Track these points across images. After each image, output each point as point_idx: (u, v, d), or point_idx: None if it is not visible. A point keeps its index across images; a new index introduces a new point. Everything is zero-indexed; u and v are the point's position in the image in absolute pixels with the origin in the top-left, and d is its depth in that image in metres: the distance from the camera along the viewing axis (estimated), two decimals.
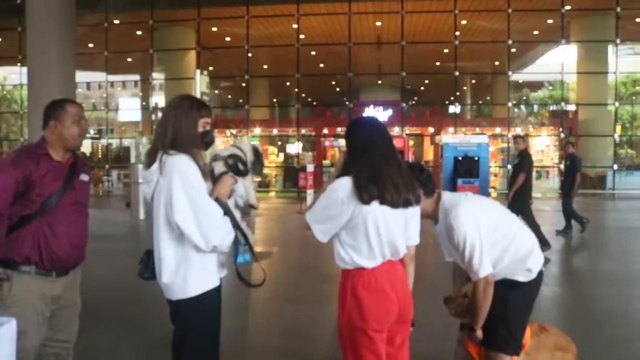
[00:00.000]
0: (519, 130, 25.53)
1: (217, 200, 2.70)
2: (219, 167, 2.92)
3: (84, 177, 3.15)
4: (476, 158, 14.89)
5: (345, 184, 2.55)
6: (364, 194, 2.49)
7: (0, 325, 2.36)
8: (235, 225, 2.74)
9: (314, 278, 7.63)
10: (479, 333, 3.09)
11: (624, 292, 6.92)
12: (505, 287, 3.06)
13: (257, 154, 3.11)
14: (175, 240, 2.65)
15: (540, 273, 3.17)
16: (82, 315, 3.29)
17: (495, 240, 2.98)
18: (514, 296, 3.08)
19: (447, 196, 3.09)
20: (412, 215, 2.68)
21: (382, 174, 2.54)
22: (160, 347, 4.63)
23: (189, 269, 2.65)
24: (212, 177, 2.83)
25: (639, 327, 5.57)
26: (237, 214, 2.84)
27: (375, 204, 2.51)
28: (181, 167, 2.61)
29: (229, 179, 2.81)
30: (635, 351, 4.86)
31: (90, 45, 23.67)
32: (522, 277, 3.10)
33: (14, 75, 25.29)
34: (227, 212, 2.71)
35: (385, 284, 2.55)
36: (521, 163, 10.89)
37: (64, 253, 2.97)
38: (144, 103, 31.53)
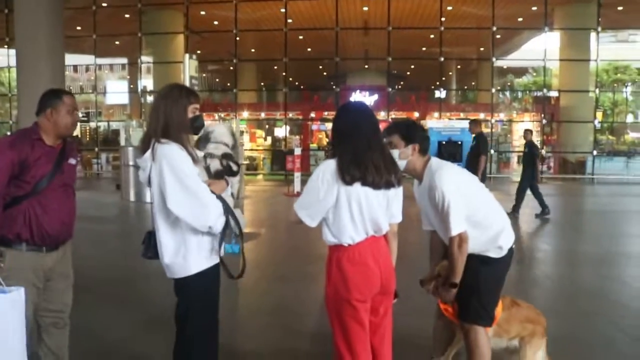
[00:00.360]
0: (502, 116, 25.89)
1: None
2: (215, 163, 3.12)
3: (72, 161, 3.32)
4: (459, 142, 15.13)
5: (330, 165, 2.68)
6: (346, 176, 2.63)
7: (10, 292, 2.61)
8: (228, 212, 2.87)
9: (301, 258, 7.81)
10: (454, 291, 3.26)
11: (597, 273, 7.18)
12: (478, 261, 3.29)
13: (234, 137, 3.36)
14: (172, 224, 2.82)
15: (511, 250, 3.40)
16: (76, 293, 3.46)
17: (468, 215, 3.17)
18: (485, 270, 3.31)
19: (435, 160, 3.32)
20: (394, 196, 2.82)
21: (364, 157, 2.66)
22: (154, 325, 4.86)
23: (188, 250, 2.83)
24: (208, 174, 3.03)
25: (609, 304, 5.83)
26: (231, 202, 3.02)
27: (357, 185, 2.65)
28: (172, 155, 2.76)
29: (223, 184, 3.00)
30: (602, 323, 5.16)
31: (78, 28, 23.42)
32: (494, 254, 3.33)
33: (1, 58, 24.95)
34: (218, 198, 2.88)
35: (368, 257, 2.70)
36: (479, 146, 11.07)
37: (54, 230, 3.14)
38: (132, 86, 31.40)
